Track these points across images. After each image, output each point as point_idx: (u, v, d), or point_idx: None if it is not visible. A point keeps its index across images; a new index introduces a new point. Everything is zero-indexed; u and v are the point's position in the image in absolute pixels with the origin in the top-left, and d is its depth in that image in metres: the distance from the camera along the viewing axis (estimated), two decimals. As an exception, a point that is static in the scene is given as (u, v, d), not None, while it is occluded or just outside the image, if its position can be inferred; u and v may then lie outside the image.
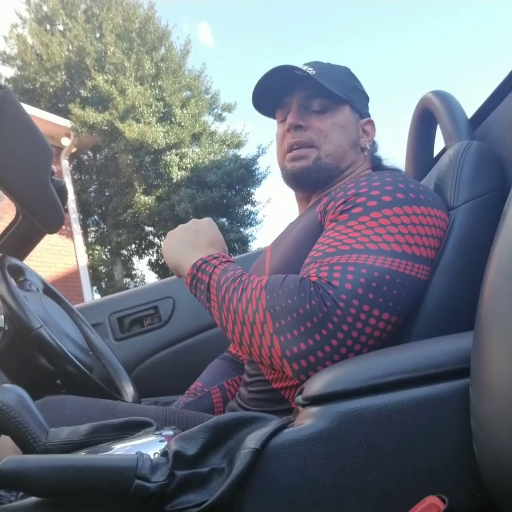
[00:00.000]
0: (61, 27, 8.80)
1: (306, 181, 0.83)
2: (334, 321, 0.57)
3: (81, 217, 8.26)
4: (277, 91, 0.84)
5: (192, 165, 8.47)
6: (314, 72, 0.79)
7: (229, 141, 9.34)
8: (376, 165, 0.88)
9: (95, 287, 9.11)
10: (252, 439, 0.44)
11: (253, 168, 8.94)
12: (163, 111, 8.52)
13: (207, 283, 0.69)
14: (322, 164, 0.81)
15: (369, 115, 0.88)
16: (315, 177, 0.82)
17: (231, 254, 0.84)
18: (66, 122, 7.37)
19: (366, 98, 0.89)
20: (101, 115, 7.86)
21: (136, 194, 8.36)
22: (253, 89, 0.84)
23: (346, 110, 0.83)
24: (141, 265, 18.82)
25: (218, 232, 0.79)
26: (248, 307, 0.62)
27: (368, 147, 0.85)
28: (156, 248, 9.75)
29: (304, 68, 0.79)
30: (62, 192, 1.05)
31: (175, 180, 8.30)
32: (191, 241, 0.76)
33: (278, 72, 0.80)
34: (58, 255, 6.94)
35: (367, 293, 0.59)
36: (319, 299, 0.58)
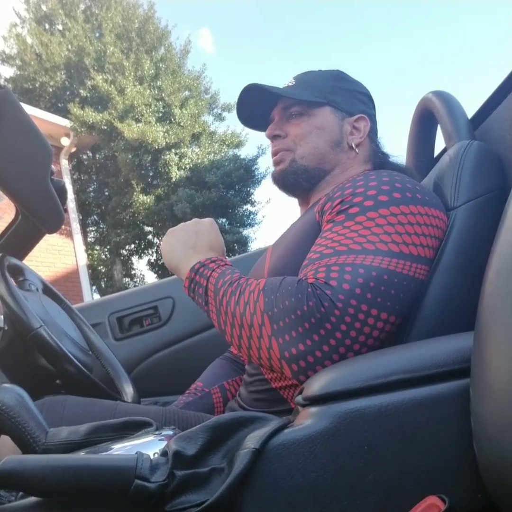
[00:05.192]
0: (60, 27, 8.80)
1: (286, 184, 0.87)
2: (332, 321, 0.57)
3: (81, 216, 8.25)
4: (264, 107, 0.90)
5: (192, 165, 8.47)
6: (294, 82, 0.87)
7: (229, 141, 9.34)
8: (378, 163, 0.85)
9: (94, 287, 9.11)
10: (252, 439, 0.44)
11: (253, 168, 8.94)
12: (163, 111, 8.52)
13: (205, 286, 0.69)
14: (298, 166, 0.84)
15: (367, 112, 0.86)
16: (293, 179, 0.85)
17: (230, 255, 0.84)
18: (65, 122, 7.38)
19: (358, 96, 0.87)
20: (100, 114, 7.86)
21: (135, 194, 8.37)
22: (238, 111, 0.92)
23: (325, 112, 0.84)
24: (140, 265, 18.85)
25: (219, 234, 0.80)
26: (246, 309, 0.62)
27: (356, 144, 0.84)
28: (155, 248, 9.75)
29: (288, 81, 0.87)
30: (61, 191, 1.04)
31: (174, 180, 8.30)
32: (191, 244, 0.76)
33: (251, 90, 0.86)
34: (58, 255, 6.93)
35: (365, 293, 0.59)
36: (316, 299, 0.58)
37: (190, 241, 0.76)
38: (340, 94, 0.85)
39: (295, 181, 0.85)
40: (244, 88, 0.86)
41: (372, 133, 0.87)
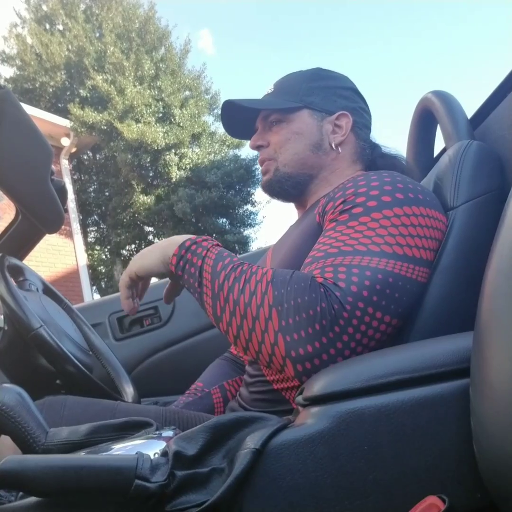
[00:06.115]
0: (60, 27, 8.80)
1: (274, 193, 0.88)
2: (340, 324, 0.57)
3: (81, 217, 8.25)
4: (250, 116, 0.90)
5: (192, 165, 8.47)
6: (273, 89, 0.87)
7: (229, 141, 9.33)
8: (368, 159, 0.85)
9: (94, 287, 9.11)
10: (252, 439, 0.44)
11: (253, 168, 8.93)
12: (162, 111, 8.51)
13: (200, 266, 0.66)
14: (281, 174, 0.85)
15: (350, 107, 0.84)
16: (279, 187, 0.86)
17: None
18: (65, 122, 7.38)
19: (338, 92, 0.85)
20: (100, 115, 7.86)
21: (135, 194, 8.36)
22: (224, 125, 0.94)
23: (303, 115, 0.83)
24: (140, 265, 18.79)
25: None
26: (251, 300, 0.60)
27: (338, 142, 0.83)
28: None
29: (268, 88, 0.88)
30: (61, 192, 1.04)
31: (174, 180, 8.30)
32: (161, 245, 0.72)
33: (230, 105, 0.87)
34: (58, 255, 6.94)
35: (372, 295, 0.59)
36: (328, 301, 0.57)
37: (159, 245, 0.73)
38: (317, 94, 0.84)
39: (281, 189, 0.86)
40: (221, 106, 0.89)
41: (357, 127, 0.85)
